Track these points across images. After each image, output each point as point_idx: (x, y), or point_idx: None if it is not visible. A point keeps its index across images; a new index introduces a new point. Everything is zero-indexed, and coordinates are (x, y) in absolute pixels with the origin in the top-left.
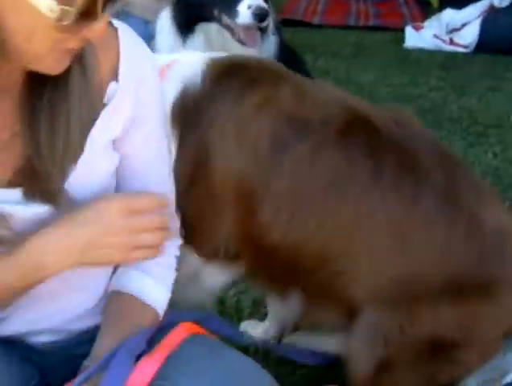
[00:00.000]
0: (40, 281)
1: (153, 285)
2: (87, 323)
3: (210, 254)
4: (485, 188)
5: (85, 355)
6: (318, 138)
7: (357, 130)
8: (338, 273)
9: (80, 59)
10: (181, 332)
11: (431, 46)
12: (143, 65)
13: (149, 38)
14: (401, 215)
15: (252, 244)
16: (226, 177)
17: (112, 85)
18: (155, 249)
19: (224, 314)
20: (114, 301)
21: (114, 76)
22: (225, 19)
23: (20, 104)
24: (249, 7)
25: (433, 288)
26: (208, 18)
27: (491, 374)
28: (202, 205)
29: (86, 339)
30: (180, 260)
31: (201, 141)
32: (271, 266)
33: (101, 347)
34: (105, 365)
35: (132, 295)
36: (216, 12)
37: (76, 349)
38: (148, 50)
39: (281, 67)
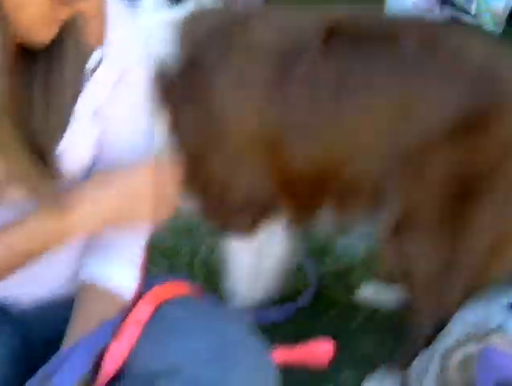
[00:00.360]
0: (61, 245)
1: (119, 270)
2: (69, 290)
3: (250, 227)
4: (467, 32)
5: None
6: (310, 57)
7: (338, 34)
8: (365, 168)
9: (72, 22)
10: (151, 301)
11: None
12: (129, 33)
13: None
14: (396, 89)
15: (289, 184)
16: (243, 133)
17: (97, 52)
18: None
19: (209, 274)
20: (81, 292)
21: (100, 43)
22: None
23: (13, 71)
24: None
25: (436, 136)
26: None
27: (475, 327)
28: (229, 174)
29: (70, 304)
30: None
31: (203, 109)
32: (307, 193)
33: (67, 343)
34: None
35: (97, 285)
36: None
37: (60, 312)
38: (132, 14)
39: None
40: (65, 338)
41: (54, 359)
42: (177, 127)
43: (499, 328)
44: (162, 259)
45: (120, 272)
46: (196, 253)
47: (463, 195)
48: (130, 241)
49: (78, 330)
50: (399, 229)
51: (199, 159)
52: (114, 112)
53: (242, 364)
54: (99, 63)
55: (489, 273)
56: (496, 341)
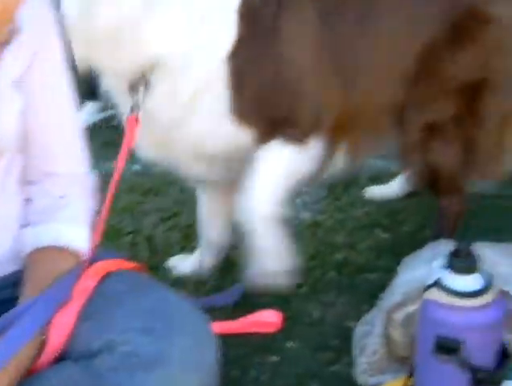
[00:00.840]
0: None
1: (66, 229)
2: (7, 268)
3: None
4: None
5: (10, 299)
6: None
7: None
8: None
9: None
10: (94, 275)
11: None
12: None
13: None
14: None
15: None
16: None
17: (12, 23)
18: None
19: (153, 251)
20: (31, 259)
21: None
22: None
23: None
24: None
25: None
26: None
27: (416, 286)
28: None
29: (9, 284)
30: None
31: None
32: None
33: (22, 303)
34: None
35: (47, 246)
36: None
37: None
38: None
39: None
40: (21, 298)
41: (10, 313)
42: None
43: (436, 283)
44: (104, 240)
45: (70, 230)
46: (139, 232)
47: (472, 95)
48: (76, 202)
49: (36, 288)
50: (424, 137)
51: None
52: (36, 82)
53: (181, 336)
54: (13, 33)
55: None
56: (434, 295)
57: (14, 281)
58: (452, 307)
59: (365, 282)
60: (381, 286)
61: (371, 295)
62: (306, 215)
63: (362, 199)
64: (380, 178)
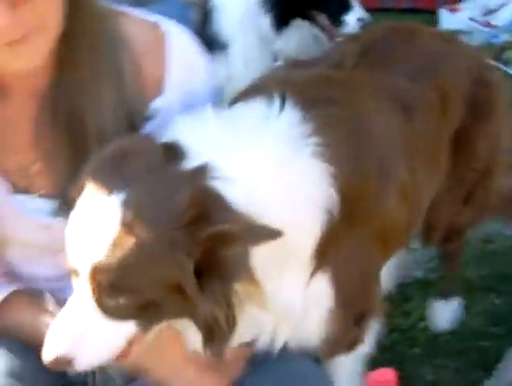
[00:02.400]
0: None
1: None
2: None
3: None
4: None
5: None
6: None
7: None
8: None
9: (115, 68)
10: None
11: (468, 29)
12: (195, 75)
13: (188, 23)
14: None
15: None
16: None
17: (157, 102)
18: None
19: None
20: None
21: (159, 91)
22: (323, 20)
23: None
24: (360, 20)
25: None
26: (304, 15)
27: None
28: None
29: None
30: None
31: None
32: None
33: None
34: None
35: None
36: (315, 12)
37: None
38: (202, 56)
39: None
40: None
41: None
42: None
43: None
44: None
45: None
46: None
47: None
48: None
49: None
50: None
51: None
52: None
53: None
54: (159, 110)
55: None
56: None
57: None
58: None
59: (478, 348)
60: (495, 355)
61: (483, 362)
62: (418, 274)
63: (476, 260)
64: (492, 240)
